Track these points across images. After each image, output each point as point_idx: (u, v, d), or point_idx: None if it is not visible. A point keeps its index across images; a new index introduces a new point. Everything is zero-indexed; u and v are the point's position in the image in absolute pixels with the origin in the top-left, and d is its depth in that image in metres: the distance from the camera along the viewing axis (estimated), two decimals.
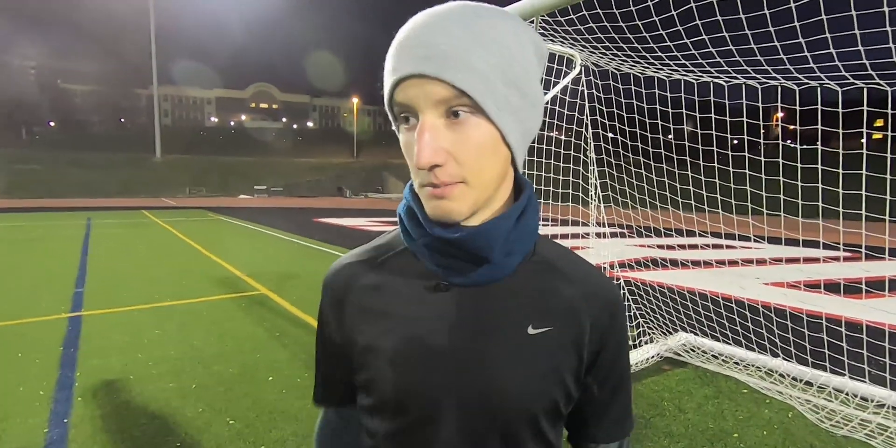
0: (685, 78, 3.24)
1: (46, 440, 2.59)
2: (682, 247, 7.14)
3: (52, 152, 45.01)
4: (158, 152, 50.51)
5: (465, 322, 0.59)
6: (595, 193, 3.70)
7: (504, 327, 0.59)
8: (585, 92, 3.65)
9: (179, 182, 39.52)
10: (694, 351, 3.81)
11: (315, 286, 6.46)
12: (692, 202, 3.68)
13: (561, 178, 3.82)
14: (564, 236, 3.41)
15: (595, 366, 0.62)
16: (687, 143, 3.65)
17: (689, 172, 3.69)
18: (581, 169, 3.80)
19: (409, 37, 0.52)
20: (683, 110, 3.47)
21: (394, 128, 0.59)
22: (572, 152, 3.80)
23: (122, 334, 4.37)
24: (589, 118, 3.67)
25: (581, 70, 3.22)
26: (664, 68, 3.21)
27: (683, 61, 2.91)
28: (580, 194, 3.80)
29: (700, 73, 3.10)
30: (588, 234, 3.94)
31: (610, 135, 3.85)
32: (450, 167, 0.52)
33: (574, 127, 3.67)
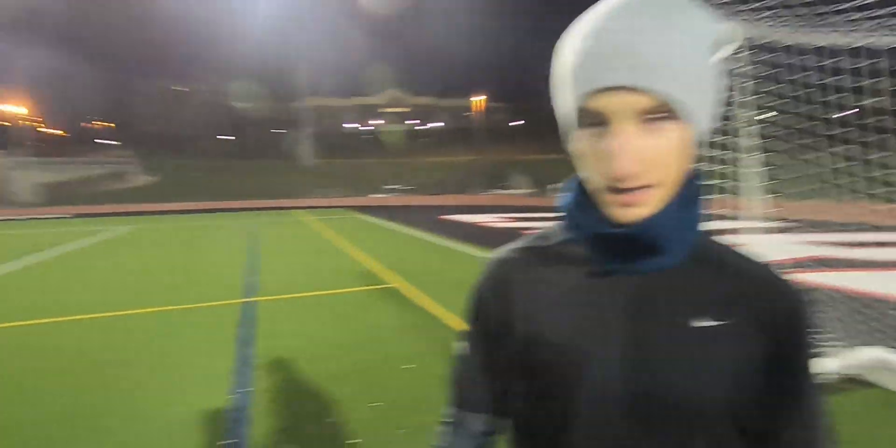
0: (877, 43, 2.70)
1: (232, 405, 3.05)
2: (865, 244, 6.02)
3: (223, 161, 52.93)
4: (306, 158, 56.58)
5: (626, 312, 0.58)
6: (753, 184, 3.27)
7: (667, 319, 0.57)
8: (741, 69, 3.24)
9: (324, 184, 43.84)
10: (885, 370, 3.18)
11: (442, 281, 6.73)
12: (881, 191, 3.07)
13: (713, 167, 3.44)
14: (719, 232, 3.07)
15: (770, 371, 0.56)
16: (876, 122, 3.05)
17: (879, 155, 3.08)
18: (738, 156, 3.39)
19: (603, 42, 0.51)
20: (868, 83, 2.90)
21: (566, 130, 0.58)
22: (726, 137, 3.40)
23: (287, 319, 4.99)
24: (748, 98, 3.25)
25: (740, 44, 2.86)
26: (849, 33, 2.71)
27: (875, 21, 2.42)
28: (736, 184, 3.39)
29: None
30: (745, 230, 3.51)
31: (771, 115, 3.37)
32: (643, 175, 0.52)
33: (729, 109, 3.28)
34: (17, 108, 43.76)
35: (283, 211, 26.01)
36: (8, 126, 46.12)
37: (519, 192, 37.51)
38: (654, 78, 0.49)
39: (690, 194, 0.58)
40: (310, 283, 6.75)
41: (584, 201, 0.61)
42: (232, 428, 2.78)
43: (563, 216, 0.64)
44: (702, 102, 0.52)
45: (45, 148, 46.31)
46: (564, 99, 0.56)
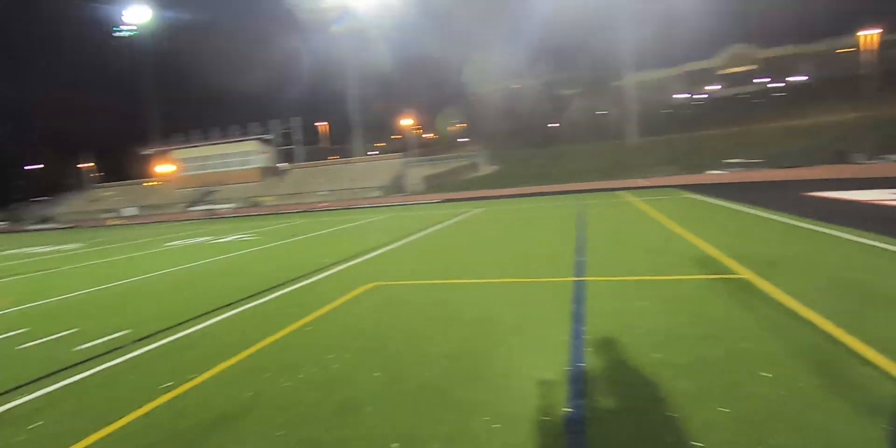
0: None
1: (568, 376, 3.31)
2: None
3: (555, 148, 56.67)
4: (631, 136, 54.76)
5: None
6: None
7: None
8: None
9: (650, 162, 41.54)
10: None
11: (809, 274, 5.40)
12: None
13: None
14: None
15: None
16: None
17: None
18: None
19: None
20: None
21: None
22: None
23: (614, 301, 5.03)
24: None
25: None
26: None
27: None
28: None
29: None
30: None
31: None
32: None
33: None
34: (408, 121, 58.56)
35: (610, 192, 26.03)
36: (401, 137, 62.55)
37: None
38: None
39: None
40: (640, 266, 6.57)
41: None
42: (571, 398, 3.01)
43: None
44: None
45: (425, 149, 60.52)
46: None
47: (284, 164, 59.13)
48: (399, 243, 11.31)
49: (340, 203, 39.00)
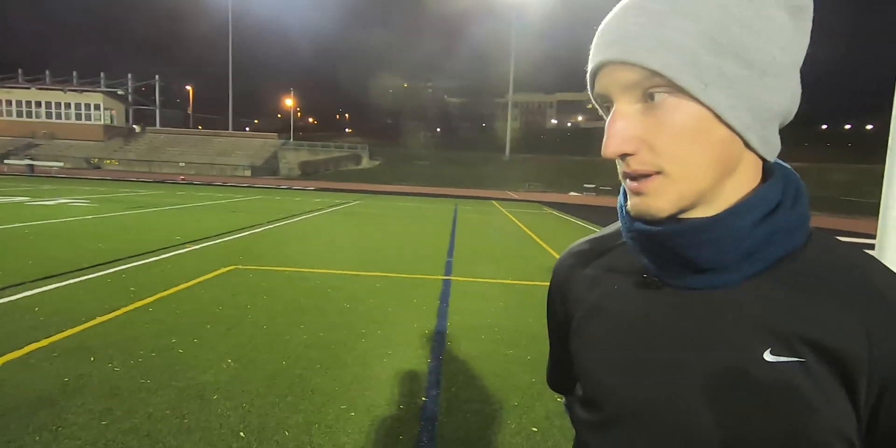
0: None
1: (429, 367, 3.44)
2: None
3: (436, 151, 58.14)
4: (507, 152, 58.47)
5: (674, 329, 0.51)
6: None
7: (726, 344, 0.48)
8: None
9: (521, 178, 44.80)
10: None
11: None
12: None
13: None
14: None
15: (876, 429, 0.44)
16: None
17: None
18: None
19: (604, 23, 0.51)
20: None
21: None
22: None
23: (477, 300, 5.34)
24: None
25: None
26: None
27: None
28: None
29: None
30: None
31: None
32: (642, 155, 0.48)
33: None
34: (289, 101, 55.19)
35: (482, 200, 27.46)
36: (280, 117, 58.75)
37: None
38: (630, 48, 0.46)
39: (764, 197, 0.49)
40: (503, 270, 7.06)
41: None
42: (427, 388, 3.14)
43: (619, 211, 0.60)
44: (714, 75, 0.45)
45: (304, 133, 57.68)
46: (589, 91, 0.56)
47: (136, 126, 51.93)
48: (266, 227, 10.65)
49: (202, 178, 35.41)
